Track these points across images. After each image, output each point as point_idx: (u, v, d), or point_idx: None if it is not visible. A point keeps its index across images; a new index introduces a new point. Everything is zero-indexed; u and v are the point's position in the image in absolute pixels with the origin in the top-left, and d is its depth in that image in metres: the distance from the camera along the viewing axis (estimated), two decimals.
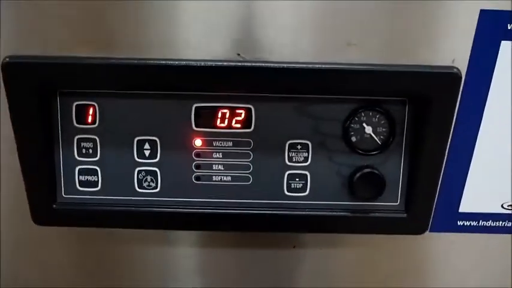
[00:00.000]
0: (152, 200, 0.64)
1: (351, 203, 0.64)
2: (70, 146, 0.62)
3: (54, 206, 0.63)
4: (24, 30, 0.57)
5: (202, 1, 0.54)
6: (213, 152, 0.63)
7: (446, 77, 0.57)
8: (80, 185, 0.64)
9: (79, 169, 0.63)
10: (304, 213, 0.64)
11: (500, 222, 0.67)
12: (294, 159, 0.63)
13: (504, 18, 0.55)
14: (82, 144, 0.62)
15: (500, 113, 0.60)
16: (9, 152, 0.61)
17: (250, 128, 0.62)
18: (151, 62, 0.57)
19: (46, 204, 0.63)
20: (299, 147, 0.62)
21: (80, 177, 0.63)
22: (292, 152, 0.63)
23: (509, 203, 0.66)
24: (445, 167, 0.62)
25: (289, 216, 0.64)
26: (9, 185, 0.65)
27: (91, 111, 0.61)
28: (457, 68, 0.57)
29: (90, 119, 0.62)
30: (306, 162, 0.63)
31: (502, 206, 0.66)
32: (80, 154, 0.63)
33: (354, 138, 0.62)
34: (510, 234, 0.69)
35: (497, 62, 0.57)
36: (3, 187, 0.65)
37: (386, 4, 0.55)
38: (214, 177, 0.64)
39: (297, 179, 0.63)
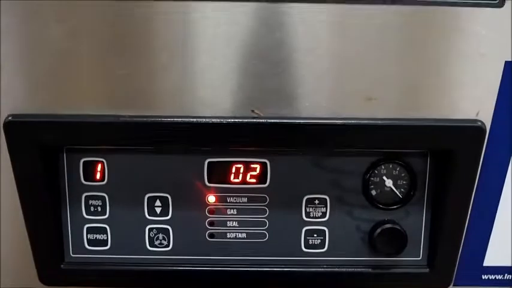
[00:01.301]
0: (164, 258, 0.62)
1: (372, 258, 0.62)
2: (78, 204, 0.60)
3: (62, 266, 0.61)
4: (27, 86, 0.55)
5: (214, 55, 0.52)
6: (227, 208, 0.60)
7: (470, 131, 0.55)
8: (88, 244, 0.61)
9: (87, 228, 0.61)
10: (322, 270, 0.62)
11: None
12: (311, 215, 0.61)
13: None
14: (90, 202, 0.60)
15: None
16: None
17: (265, 183, 0.59)
18: (163, 119, 0.55)
19: (53, 264, 0.61)
20: (317, 202, 0.60)
21: (89, 236, 0.61)
22: (310, 207, 0.60)
23: None
24: (468, 220, 0.60)
25: (307, 274, 0.61)
26: (12, 243, 0.62)
27: (99, 167, 0.59)
28: (482, 121, 0.55)
29: (98, 176, 0.59)
30: (324, 217, 0.61)
31: None
32: (88, 212, 0.60)
33: (373, 192, 0.59)
34: None
35: None
36: (4, 244, 0.62)
37: (407, 56, 0.53)
38: (228, 234, 0.61)
39: (315, 235, 0.61)
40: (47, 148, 0.56)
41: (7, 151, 0.55)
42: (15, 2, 0.50)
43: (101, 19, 0.51)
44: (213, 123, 0.54)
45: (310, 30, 0.52)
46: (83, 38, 0.52)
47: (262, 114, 0.54)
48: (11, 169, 0.56)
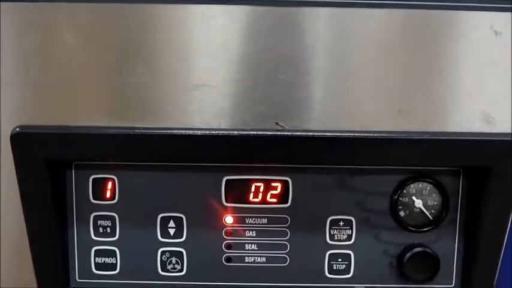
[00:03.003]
0: (177, 284, 0.58)
1: (401, 285, 0.58)
2: (86, 225, 0.57)
3: None
4: (36, 97, 0.53)
5: (236, 63, 0.50)
6: (246, 230, 0.57)
7: (506, 146, 0.52)
8: (96, 268, 0.58)
9: (95, 250, 0.57)
10: None
11: None
12: (336, 238, 0.57)
13: None
14: (99, 222, 0.57)
15: None
16: None
17: (287, 203, 0.56)
18: (178, 132, 0.52)
19: None
20: (342, 224, 0.57)
21: (97, 259, 0.57)
22: (334, 229, 0.57)
23: None
24: (506, 243, 0.56)
25: None
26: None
27: (110, 185, 0.56)
28: None
29: (108, 194, 0.56)
30: (350, 240, 0.57)
31: None
32: (96, 233, 0.57)
33: (402, 213, 0.56)
34: None
35: None
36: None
37: (439, 69, 0.51)
38: (247, 258, 0.57)
39: (340, 260, 0.57)
40: (55, 163, 0.53)
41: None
42: (25, 14, 0.49)
43: (111, 29, 0.50)
44: (233, 136, 0.51)
45: (339, 39, 0.50)
46: (93, 49, 0.51)
47: (287, 127, 0.51)
48: (12, 171, 0.53)
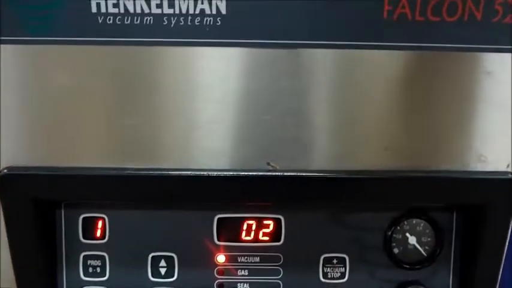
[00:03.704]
0: None
1: None
2: (75, 265, 0.56)
3: None
4: (25, 138, 0.51)
5: (223, 104, 0.49)
6: (238, 268, 0.56)
7: (502, 184, 0.51)
8: None
9: None
10: None
11: None
12: (329, 276, 0.56)
13: None
14: (89, 262, 0.56)
15: None
16: None
17: (279, 241, 0.55)
18: (169, 172, 0.51)
19: None
20: (335, 261, 0.56)
21: None
22: (328, 267, 0.56)
23: None
24: (500, 282, 0.55)
25: None
26: None
27: (100, 224, 0.55)
28: None
29: (98, 233, 0.55)
30: (343, 278, 0.56)
31: None
32: (86, 274, 0.56)
33: (396, 250, 0.55)
34: None
35: None
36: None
37: (427, 104, 0.50)
38: None
39: None
40: (44, 203, 0.52)
41: None
42: (15, 51, 0.48)
43: (102, 70, 0.49)
44: (224, 176, 0.50)
45: (324, 79, 0.49)
46: (83, 89, 0.49)
47: (278, 167, 0.50)
48: None
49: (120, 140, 0.51)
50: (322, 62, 0.48)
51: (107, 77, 0.49)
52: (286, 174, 0.51)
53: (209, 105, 0.50)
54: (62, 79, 0.49)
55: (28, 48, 0.48)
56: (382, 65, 0.49)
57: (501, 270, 0.55)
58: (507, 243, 0.54)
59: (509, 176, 0.51)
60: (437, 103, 0.50)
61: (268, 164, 0.50)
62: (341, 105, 0.50)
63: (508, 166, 0.52)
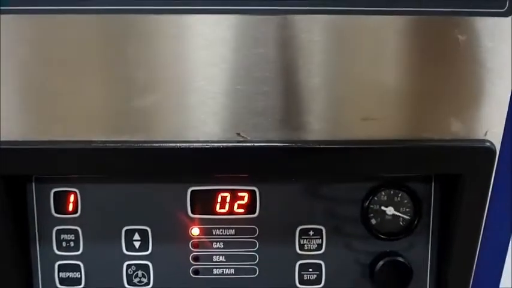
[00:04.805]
0: None
1: None
2: (48, 239, 0.55)
3: None
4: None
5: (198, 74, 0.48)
6: (213, 241, 0.56)
7: (479, 152, 0.50)
8: (60, 283, 0.56)
9: (59, 265, 0.56)
10: None
11: None
12: (306, 247, 0.56)
13: None
14: (62, 236, 0.55)
15: None
16: None
17: (254, 213, 0.55)
18: (139, 145, 0.50)
19: None
20: (311, 233, 0.55)
21: (61, 274, 0.56)
22: (304, 239, 0.55)
23: None
24: (479, 250, 0.54)
25: None
26: None
27: (72, 198, 0.54)
28: (491, 142, 0.50)
29: (70, 208, 0.55)
30: (320, 250, 0.56)
31: None
32: (60, 248, 0.56)
33: (373, 221, 0.55)
34: None
35: None
36: None
37: (407, 72, 0.49)
38: (215, 270, 0.56)
39: (310, 270, 0.56)
40: (14, 178, 0.52)
41: None
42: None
43: (74, 39, 0.47)
44: (195, 148, 0.49)
45: (300, 45, 0.47)
46: (53, 60, 0.48)
47: (248, 138, 0.49)
48: None
49: (90, 112, 0.50)
50: (298, 30, 0.47)
51: (75, 46, 0.48)
52: (257, 145, 0.49)
53: (180, 75, 0.48)
54: (25, 50, 0.47)
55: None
56: (359, 32, 0.47)
57: (480, 239, 0.54)
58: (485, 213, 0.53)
59: (487, 144, 0.50)
60: (413, 72, 0.49)
61: (238, 134, 0.49)
62: (317, 75, 0.49)
63: (485, 134, 0.50)
